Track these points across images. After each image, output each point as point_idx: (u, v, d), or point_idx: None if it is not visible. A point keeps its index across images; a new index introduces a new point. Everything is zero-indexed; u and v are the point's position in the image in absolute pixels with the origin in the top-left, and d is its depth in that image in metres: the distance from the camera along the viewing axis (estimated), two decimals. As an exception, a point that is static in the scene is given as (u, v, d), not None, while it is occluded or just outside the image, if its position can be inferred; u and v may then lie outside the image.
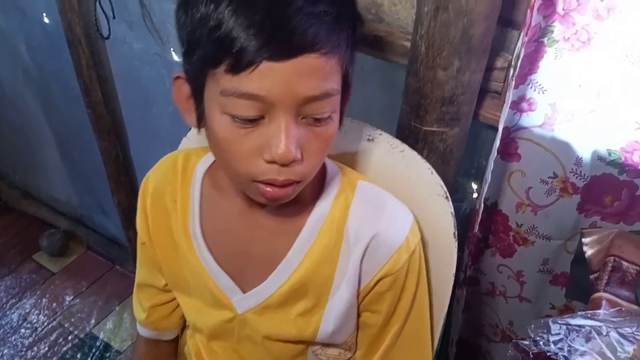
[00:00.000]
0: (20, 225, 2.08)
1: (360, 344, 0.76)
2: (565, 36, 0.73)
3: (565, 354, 0.70)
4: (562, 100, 0.78)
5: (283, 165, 0.57)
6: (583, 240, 0.88)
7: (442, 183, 0.75)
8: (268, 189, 0.60)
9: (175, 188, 0.75)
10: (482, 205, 0.87)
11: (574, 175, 0.84)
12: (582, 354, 0.69)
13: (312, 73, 0.54)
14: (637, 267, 0.79)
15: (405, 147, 0.78)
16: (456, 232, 0.74)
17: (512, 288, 1.03)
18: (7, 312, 1.78)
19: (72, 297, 1.84)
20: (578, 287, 0.95)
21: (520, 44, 0.73)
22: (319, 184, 0.71)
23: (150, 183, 0.77)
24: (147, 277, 0.83)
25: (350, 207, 0.69)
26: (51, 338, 1.71)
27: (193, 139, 0.88)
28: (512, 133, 0.85)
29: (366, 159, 0.80)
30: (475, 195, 1.02)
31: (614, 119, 0.76)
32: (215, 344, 0.80)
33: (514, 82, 0.76)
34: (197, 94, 0.61)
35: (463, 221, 1.02)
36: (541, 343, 0.72)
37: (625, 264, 0.80)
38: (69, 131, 1.78)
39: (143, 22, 1.24)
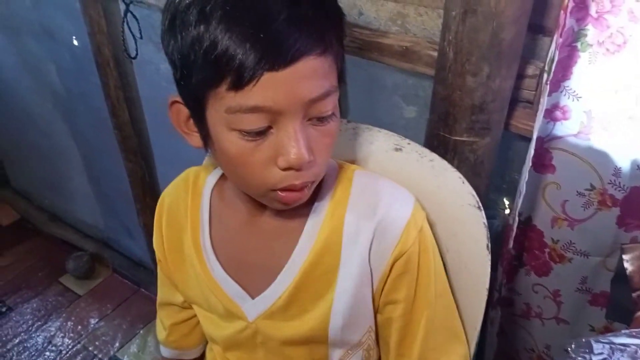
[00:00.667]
0: (48, 248, 2.10)
1: (391, 344, 0.72)
2: (600, 40, 0.71)
3: (610, 374, 0.65)
4: (598, 107, 0.75)
5: (299, 170, 0.59)
6: (624, 256, 0.83)
7: (474, 193, 0.72)
8: (287, 194, 0.61)
9: (187, 204, 0.77)
10: (517, 219, 0.83)
11: (612, 186, 0.80)
12: (628, 374, 0.65)
13: (312, 75, 0.55)
14: (684, 284, 0.75)
15: (435, 156, 0.76)
16: (489, 245, 0.71)
17: (549, 309, 0.98)
18: (33, 335, 1.78)
19: (97, 320, 1.83)
20: (619, 307, 0.90)
21: (554, 47, 0.70)
22: (317, 183, 0.70)
23: (165, 201, 0.79)
24: (167, 295, 0.83)
25: (349, 198, 0.69)
26: (75, 361, 1.70)
27: (217, 152, 0.87)
28: (546, 143, 0.82)
29: (394, 168, 0.78)
30: (507, 211, 0.98)
31: (654, 125, 0.72)
32: (231, 355, 0.79)
33: (548, 87, 0.73)
34: (198, 116, 0.60)
35: (495, 238, 0.98)
36: (583, 364, 0.68)
37: (670, 280, 0.75)
38: (96, 154, 1.80)
39: (169, 42, 1.25)
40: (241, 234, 0.73)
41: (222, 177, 0.76)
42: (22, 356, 1.70)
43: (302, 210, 0.69)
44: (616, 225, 0.83)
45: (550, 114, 0.79)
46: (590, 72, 0.73)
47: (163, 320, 0.85)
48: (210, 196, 0.75)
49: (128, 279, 1.97)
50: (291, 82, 0.54)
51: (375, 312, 0.72)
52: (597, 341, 0.69)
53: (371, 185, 0.70)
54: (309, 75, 0.55)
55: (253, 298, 0.72)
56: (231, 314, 0.73)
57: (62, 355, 1.72)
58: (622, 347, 0.68)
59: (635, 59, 0.69)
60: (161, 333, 0.85)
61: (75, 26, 1.43)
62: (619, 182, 0.79)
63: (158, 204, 0.79)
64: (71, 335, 1.78)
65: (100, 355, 1.72)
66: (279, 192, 0.61)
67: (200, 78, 0.55)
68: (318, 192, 0.70)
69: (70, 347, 1.74)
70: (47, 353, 1.73)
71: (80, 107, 1.68)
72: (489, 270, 0.71)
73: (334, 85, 0.59)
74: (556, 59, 0.71)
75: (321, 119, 0.59)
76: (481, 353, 1.05)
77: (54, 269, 2.00)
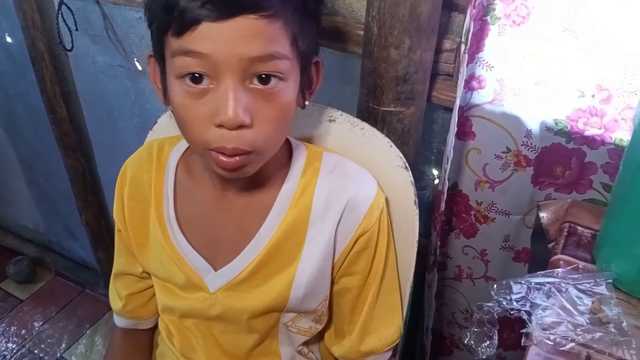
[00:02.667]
0: (-14, 255, 2.04)
1: (345, 311, 0.78)
2: (507, 12, 0.78)
3: (528, 309, 0.73)
4: (509, 75, 0.83)
5: (231, 129, 0.59)
6: (540, 213, 0.91)
7: (401, 155, 0.78)
8: (220, 157, 0.61)
9: (151, 176, 0.78)
10: (446, 182, 0.90)
11: (525, 147, 0.88)
12: (544, 308, 0.72)
13: (253, 35, 0.57)
14: (592, 231, 0.83)
15: (365, 124, 0.82)
16: (416, 200, 0.77)
17: (478, 269, 1.06)
18: (-26, 342, 1.73)
19: (41, 323, 1.80)
20: (539, 261, 0.98)
21: (468, 19, 0.77)
22: (285, 163, 0.74)
23: (128, 172, 0.80)
24: (124, 265, 0.84)
25: (318, 177, 0.72)
26: (21, 365, 1.67)
27: (159, 132, 0.90)
28: (466, 112, 0.90)
29: (329, 138, 0.83)
30: (437, 181, 1.05)
31: (558, 89, 0.81)
32: (188, 321, 0.81)
33: (467, 57, 0.80)
34: (162, 68, 0.64)
35: (428, 207, 1.05)
36: (504, 303, 0.75)
37: (580, 228, 0.84)
38: (35, 156, 1.77)
39: (106, 34, 1.27)
40: (210, 209, 0.75)
41: (188, 150, 0.78)
42: (-36, 364, 1.66)
43: (273, 188, 0.72)
44: (531, 184, 0.92)
45: (468, 84, 0.87)
46: (500, 43, 0.81)
47: (119, 291, 0.85)
48: (176, 169, 0.77)
49: (72, 281, 1.93)
50: (229, 37, 0.56)
51: (332, 282, 0.76)
52: (516, 282, 0.77)
53: (339, 166, 0.74)
54: (249, 34, 0.56)
55: (216, 270, 0.74)
56: (193, 285, 0.75)
57: (6, 360, 1.68)
58: (538, 287, 0.75)
59: (538, 28, 0.78)
60: (116, 303, 0.85)
61: (8, 23, 1.42)
62: (531, 143, 0.87)
63: (120, 174, 0.79)
64: (15, 339, 1.75)
65: (46, 358, 1.69)
66: (213, 153, 0.61)
67: (156, 24, 0.60)
68: (288, 171, 0.73)
69: (14, 351, 1.71)
70: (-10, 359, 1.69)
71: (18, 108, 1.65)
72: (417, 223, 0.77)
73: (281, 53, 0.59)
74: (471, 30, 0.78)
75: (265, 84, 0.59)
76: (421, 315, 1.12)
77: (-6, 275, 1.95)
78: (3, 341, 1.74)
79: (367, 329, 0.77)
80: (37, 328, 1.78)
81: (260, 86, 0.60)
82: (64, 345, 1.73)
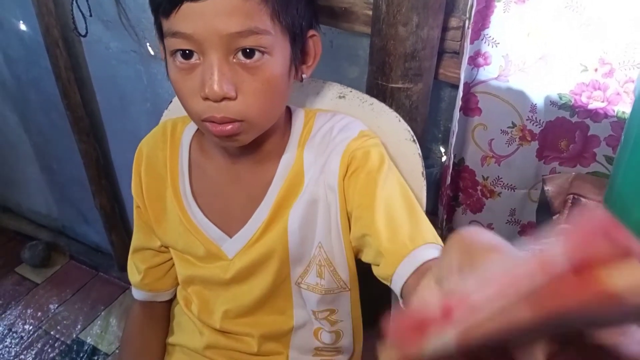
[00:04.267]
0: (1, 241, 2.08)
1: (372, 243, 0.71)
2: (512, -11, 0.81)
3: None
4: (514, 50, 0.85)
5: (215, 101, 0.63)
6: (545, 187, 0.94)
7: (409, 128, 0.81)
8: (213, 127, 0.66)
9: (166, 154, 0.82)
10: (452, 156, 0.93)
11: (530, 122, 0.90)
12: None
13: (231, 11, 0.61)
14: (596, 202, 0.85)
15: (374, 100, 0.84)
16: (424, 172, 0.80)
17: (484, 243, 1.08)
18: (-8, 324, 1.78)
19: (57, 306, 1.84)
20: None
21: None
22: (286, 132, 0.78)
23: (144, 151, 0.84)
24: (142, 240, 0.88)
25: (310, 135, 0.77)
26: (38, 346, 1.71)
27: (174, 111, 0.93)
28: (472, 88, 0.92)
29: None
30: (444, 158, 1.08)
31: (562, 63, 0.83)
32: (208, 288, 0.85)
33: (470, 33, 0.82)
34: (164, 46, 0.69)
35: (435, 185, 1.08)
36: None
37: (584, 199, 0.86)
38: (48, 142, 1.80)
39: (119, 19, 1.30)
40: (221, 182, 0.80)
41: (199, 130, 0.81)
42: (-18, 346, 1.70)
43: (277, 156, 0.77)
44: (536, 159, 0.94)
45: (474, 61, 0.89)
46: (505, 20, 0.83)
47: (137, 265, 0.89)
48: (189, 148, 0.81)
49: (86, 264, 1.97)
50: (209, 15, 0.60)
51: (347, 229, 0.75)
52: (521, 250, 0.80)
53: (328, 121, 0.78)
54: (226, 11, 0.60)
55: (231, 238, 0.79)
56: (212, 255, 0.80)
57: (23, 341, 1.72)
58: (542, 253, 0.78)
59: (542, 4, 0.80)
60: (135, 276, 0.89)
61: (22, 10, 1.45)
62: (536, 118, 0.90)
63: (136, 153, 0.84)
64: (31, 321, 1.79)
65: (62, 339, 1.74)
66: (206, 123, 0.66)
67: (152, 7, 0.66)
68: (289, 139, 0.77)
69: (31, 332, 1.75)
70: (8, 340, 1.73)
71: (31, 95, 1.68)
72: (424, 194, 0.80)
73: (261, 28, 0.62)
74: (475, 6, 0.80)
75: (248, 57, 0.63)
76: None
77: (10, 260, 1.99)
78: (20, 323, 1.78)
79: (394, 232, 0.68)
80: (52, 310, 1.83)
81: (245, 60, 0.63)
82: (79, 327, 1.77)
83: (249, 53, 0.63)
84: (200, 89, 0.64)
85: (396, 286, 0.65)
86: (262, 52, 0.64)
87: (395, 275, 0.64)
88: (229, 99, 0.64)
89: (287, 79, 0.70)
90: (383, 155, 0.73)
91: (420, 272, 0.62)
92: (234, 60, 0.63)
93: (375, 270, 0.70)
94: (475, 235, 0.32)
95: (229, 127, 0.65)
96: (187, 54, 0.64)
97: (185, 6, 0.60)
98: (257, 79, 0.65)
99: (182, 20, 0.61)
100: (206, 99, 0.64)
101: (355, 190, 0.71)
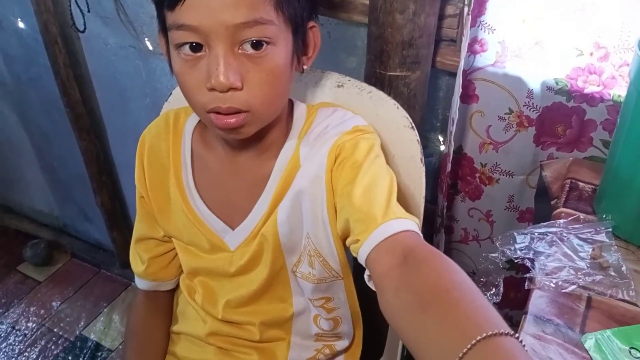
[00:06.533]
0: (3, 240, 2.09)
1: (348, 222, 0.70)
2: (507, -24, 0.82)
3: (531, 256, 0.76)
4: (510, 37, 0.86)
5: (222, 91, 0.64)
6: (542, 173, 0.95)
7: (407, 115, 0.82)
8: (218, 118, 0.66)
9: (169, 144, 0.83)
10: (452, 143, 0.93)
11: (527, 108, 0.91)
12: (547, 256, 0.76)
13: (237, 2, 0.61)
14: (593, 186, 0.86)
15: (373, 88, 0.85)
16: (422, 158, 0.81)
17: (483, 230, 1.09)
18: (-5, 323, 1.79)
19: (59, 303, 1.85)
20: (543, 220, 1.02)
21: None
22: (287, 125, 0.79)
23: (147, 141, 0.84)
24: (145, 230, 0.88)
25: (309, 129, 0.77)
26: (41, 343, 1.72)
27: (174, 102, 0.94)
28: (469, 75, 0.93)
29: (338, 102, 0.86)
30: (442, 147, 1.09)
31: (557, 48, 0.84)
32: (212, 279, 0.86)
33: (470, 19, 0.83)
34: (166, 40, 0.69)
35: (434, 174, 1.09)
36: (508, 252, 0.79)
37: (581, 184, 0.87)
38: (48, 141, 1.81)
39: (117, 15, 1.30)
40: (223, 174, 0.80)
41: (201, 120, 0.81)
42: (-14, 344, 1.71)
43: (278, 148, 0.77)
44: (534, 144, 0.95)
45: (471, 48, 0.90)
46: (501, 6, 0.84)
47: (141, 254, 0.89)
48: (192, 139, 0.82)
49: (88, 262, 1.98)
50: (214, 6, 0.61)
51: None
52: (520, 233, 0.80)
53: (329, 117, 0.78)
54: (232, 2, 0.61)
55: (233, 230, 0.80)
56: (215, 247, 0.81)
57: (27, 338, 1.73)
58: (540, 236, 0.79)
59: (537, -10, 0.81)
60: (138, 266, 0.89)
61: (20, 8, 1.45)
62: (533, 103, 0.90)
63: (139, 143, 0.84)
64: (34, 319, 1.80)
65: (65, 335, 1.75)
66: (211, 115, 0.66)
67: (154, 1, 0.66)
68: (288, 131, 0.78)
69: (34, 330, 1.76)
70: (12, 337, 1.74)
71: (30, 93, 1.69)
72: (424, 180, 0.81)
73: (266, 19, 0.63)
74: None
75: (254, 48, 0.64)
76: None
77: (12, 259, 2.00)
78: (23, 321, 1.79)
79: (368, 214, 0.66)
80: (55, 308, 1.84)
81: (250, 51, 0.64)
82: (82, 324, 1.78)
83: (255, 44, 0.64)
84: (206, 80, 0.64)
85: (362, 257, 0.64)
86: (267, 43, 0.65)
87: (363, 246, 0.63)
88: (235, 89, 0.64)
89: (289, 70, 0.71)
90: (372, 146, 0.73)
91: (388, 244, 0.61)
92: (240, 51, 0.64)
93: (352, 249, 0.68)
94: None
95: (233, 119, 0.66)
96: (193, 47, 0.64)
97: None
98: (262, 69, 0.65)
99: (188, 12, 0.62)
100: (212, 89, 0.64)
101: (339, 181, 0.72)
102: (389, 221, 0.63)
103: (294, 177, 0.76)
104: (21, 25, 1.50)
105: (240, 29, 0.62)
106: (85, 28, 1.29)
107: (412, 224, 0.64)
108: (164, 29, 0.68)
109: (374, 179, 0.69)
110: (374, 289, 0.62)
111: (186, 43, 0.64)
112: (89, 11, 1.27)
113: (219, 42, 0.63)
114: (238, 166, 0.79)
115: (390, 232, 0.62)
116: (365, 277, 0.65)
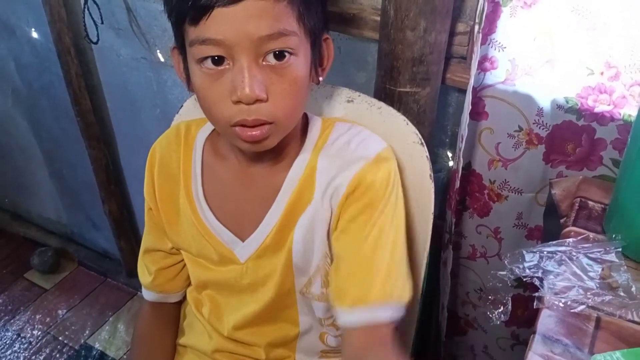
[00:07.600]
0: (11, 247, 2.10)
1: (339, 260, 0.76)
2: (518, -6, 0.82)
3: (540, 275, 0.76)
4: (520, 55, 0.86)
5: (248, 104, 0.64)
6: (552, 191, 0.95)
7: (417, 131, 0.82)
8: (242, 130, 0.66)
9: (179, 156, 0.83)
10: (461, 159, 0.93)
11: (537, 126, 0.91)
12: (556, 275, 0.76)
13: (261, 14, 0.62)
14: (602, 205, 0.86)
15: (382, 104, 0.85)
16: (432, 174, 0.81)
17: (491, 247, 1.09)
18: (1, 330, 1.79)
19: (65, 311, 1.85)
20: (552, 238, 1.01)
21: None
22: (301, 137, 0.79)
23: (157, 152, 0.84)
24: (153, 242, 0.88)
25: (325, 144, 0.77)
26: (46, 351, 1.72)
27: (185, 115, 0.95)
28: (479, 92, 0.93)
29: (347, 117, 0.87)
30: (451, 163, 1.09)
31: (568, 67, 0.84)
32: (220, 293, 0.86)
33: (480, 37, 0.83)
34: (184, 57, 0.69)
35: (442, 189, 1.09)
36: (517, 271, 0.78)
37: (591, 203, 0.87)
38: (58, 148, 1.82)
39: (130, 27, 1.32)
40: (234, 185, 0.80)
41: (214, 132, 0.82)
42: (-9, 351, 1.72)
43: (289, 160, 0.77)
44: (543, 162, 0.95)
45: (481, 65, 0.90)
46: (512, 24, 0.85)
47: (148, 266, 0.89)
48: (203, 151, 0.82)
49: (94, 271, 1.99)
50: (239, 19, 0.61)
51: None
52: (529, 251, 0.80)
53: (347, 132, 0.78)
54: (257, 14, 0.61)
55: (243, 241, 0.79)
56: (224, 259, 0.81)
57: (32, 347, 1.74)
58: (549, 255, 0.79)
59: (548, 8, 0.81)
60: (145, 278, 0.89)
61: (34, 17, 1.47)
62: (543, 121, 0.90)
63: (149, 154, 0.84)
64: (40, 327, 1.80)
65: (70, 344, 1.75)
66: (236, 129, 0.66)
67: (174, 15, 0.65)
68: (303, 143, 0.78)
69: (40, 338, 1.76)
70: (17, 345, 1.74)
71: (41, 101, 1.70)
72: (432, 196, 0.81)
73: (289, 30, 0.64)
74: (486, 10, 0.81)
75: (278, 60, 0.64)
76: (436, 294, 1.15)
77: (19, 266, 2.01)
78: (28, 328, 1.80)
79: (359, 279, 0.72)
80: (61, 316, 1.84)
81: (274, 62, 0.65)
82: (87, 332, 1.78)
83: (278, 55, 0.64)
84: (231, 93, 0.64)
85: (341, 320, 0.72)
86: (290, 54, 0.65)
87: (346, 314, 0.72)
88: (261, 101, 0.64)
89: (308, 81, 0.71)
90: (388, 183, 0.73)
91: (369, 330, 0.70)
92: (264, 62, 0.64)
93: (330, 291, 0.76)
94: None
95: (258, 132, 0.66)
96: (216, 60, 0.64)
97: (217, 12, 0.61)
98: (285, 80, 0.66)
99: (213, 26, 0.62)
100: (238, 102, 0.64)
101: (348, 210, 0.73)
102: (376, 307, 0.71)
103: (311, 191, 0.75)
104: (35, 34, 1.52)
105: (264, 40, 0.63)
106: (98, 39, 1.31)
107: (398, 310, 0.71)
108: (181, 45, 0.68)
109: (380, 239, 0.72)
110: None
111: (208, 57, 0.64)
112: (102, 22, 1.29)
113: (243, 55, 0.63)
114: (250, 177, 0.79)
115: (372, 321, 0.70)
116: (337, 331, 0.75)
